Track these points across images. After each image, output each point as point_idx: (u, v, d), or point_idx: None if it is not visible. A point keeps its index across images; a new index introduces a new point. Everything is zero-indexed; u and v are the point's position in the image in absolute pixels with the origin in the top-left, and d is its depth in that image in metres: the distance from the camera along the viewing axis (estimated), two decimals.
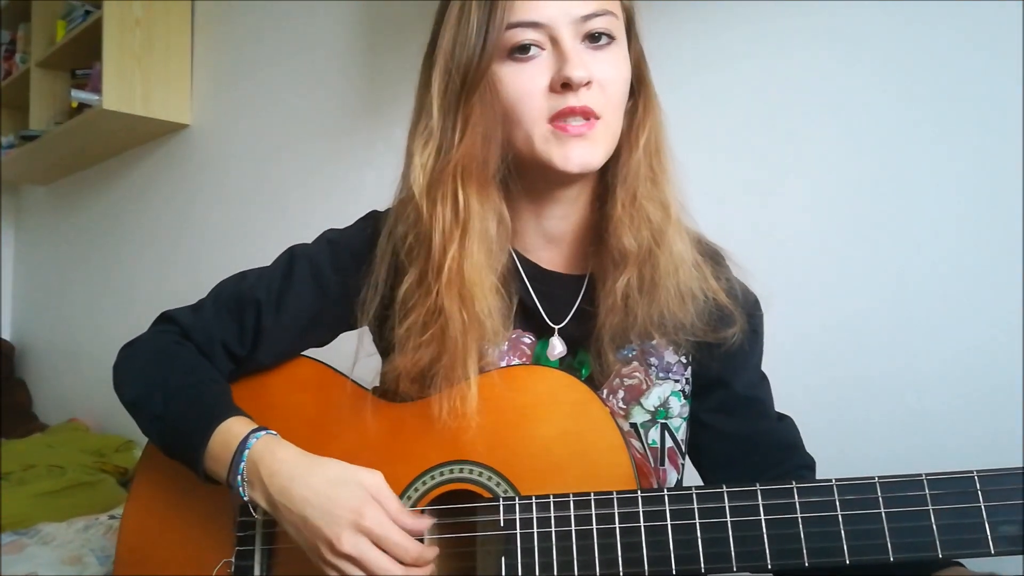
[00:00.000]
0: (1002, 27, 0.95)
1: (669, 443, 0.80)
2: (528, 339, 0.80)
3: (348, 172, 1.80)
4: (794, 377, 1.08)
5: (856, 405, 1.06)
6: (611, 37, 0.71)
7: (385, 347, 0.80)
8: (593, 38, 0.70)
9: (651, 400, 0.80)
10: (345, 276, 0.80)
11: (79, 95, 2.30)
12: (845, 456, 1.06)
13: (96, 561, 1.56)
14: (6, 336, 3.22)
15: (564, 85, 0.68)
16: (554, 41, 0.69)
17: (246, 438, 0.72)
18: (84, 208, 2.85)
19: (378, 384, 0.85)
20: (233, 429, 0.73)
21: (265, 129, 2.07)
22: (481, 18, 0.68)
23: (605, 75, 0.70)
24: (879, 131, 1.05)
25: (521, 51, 0.69)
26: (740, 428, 0.81)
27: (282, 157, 2.01)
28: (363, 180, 1.75)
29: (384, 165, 1.74)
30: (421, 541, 0.70)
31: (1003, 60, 0.95)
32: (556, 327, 0.80)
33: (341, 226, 0.86)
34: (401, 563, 0.67)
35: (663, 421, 0.80)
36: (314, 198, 1.90)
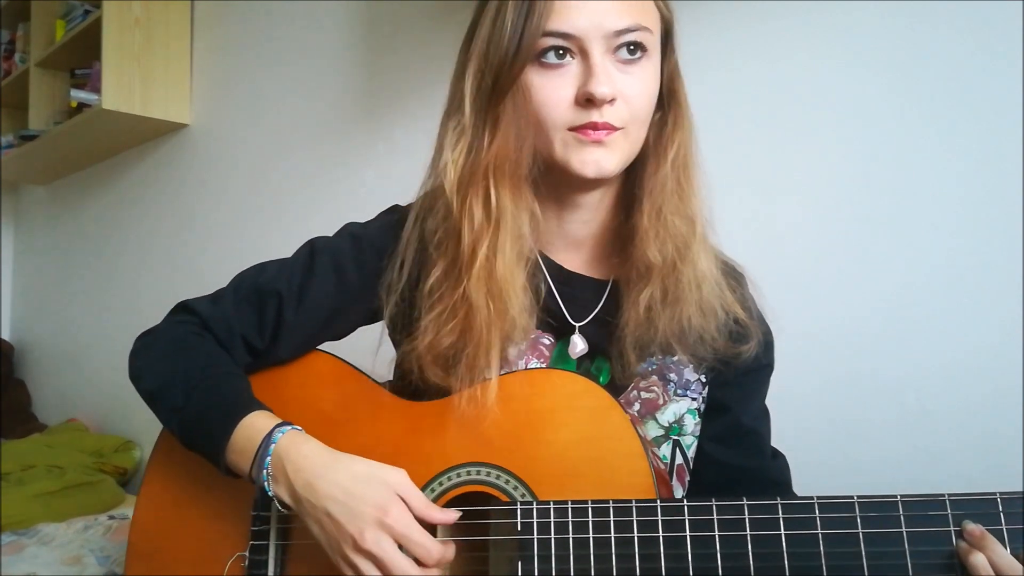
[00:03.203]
0: (1002, 27, 0.95)
1: (679, 460, 0.80)
2: (547, 340, 0.80)
3: (348, 172, 1.80)
4: (795, 378, 1.08)
5: (856, 406, 1.06)
6: (643, 51, 0.71)
7: (405, 336, 0.79)
8: (624, 51, 0.70)
9: (666, 416, 0.79)
10: (366, 270, 0.80)
11: (78, 95, 2.30)
12: (845, 457, 1.06)
13: (95, 561, 1.56)
14: (5, 336, 3.21)
15: (588, 100, 0.68)
16: (584, 53, 0.69)
17: (271, 433, 0.72)
18: (83, 208, 2.85)
19: (391, 378, 0.85)
20: (257, 424, 0.73)
21: (265, 129, 2.07)
22: (516, 22, 0.68)
23: (631, 90, 0.70)
24: (879, 132, 1.05)
25: (551, 57, 0.69)
26: (735, 459, 0.82)
27: (282, 157, 2.01)
28: (363, 180, 1.75)
29: (384, 165, 1.74)
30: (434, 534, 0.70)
31: (1003, 60, 0.95)
32: (577, 325, 0.80)
33: (342, 227, 0.86)
34: (422, 562, 0.67)
35: (676, 438, 0.80)
36: (314, 198, 1.90)
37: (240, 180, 2.14)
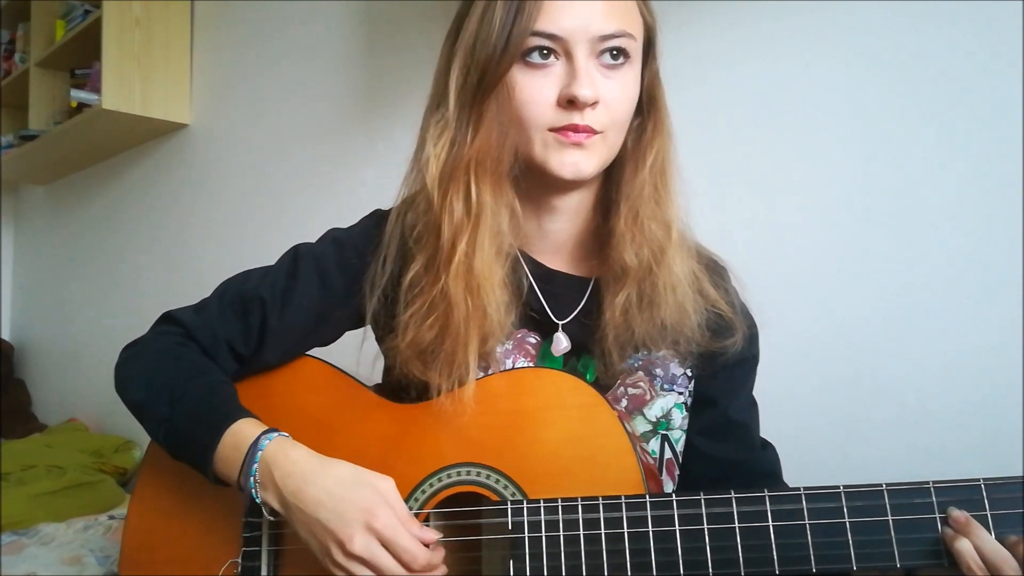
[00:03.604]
0: (1002, 27, 0.95)
1: (668, 454, 0.81)
2: (533, 339, 0.80)
3: (348, 172, 1.80)
4: (795, 377, 1.08)
5: (857, 406, 1.06)
6: (626, 57, 0.72)
7: (387, 332, 0.80)
8: (607, 56, 0.71)
9: (654, 411, 0.80)
10: (350, 275, 0.80)
11: (78, 95, 2.30)
12: (846, 457, 1.06)
13: (95, 561, 1.56)
14: (5, 336, 3.21)
15: (570, 102, 0.69)
16: (568, 55, 0.70)
17: (257, 440, 0.72)
18: (83, 208, 2.85)
19: (378, 379, 0.85)
20: (244, 431, 0.73)
21: (265, 129, 2.07)
22: (504, 20, 0.69)
23: (612, 95, 0.71)
24: (879, 132, 1.05)
25: (536, 57, 0.70)
26: (724, 452, 0.82)
27: (282, 157, 2.01)
28: (363, 180, 1.75)
29: (384, 165, 1.74)
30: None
31: (1003, 60, 0.95)
32: (560, 323, 0.80)
33: (342, 225, 0.86)
34: (408, 567, 0.67)
35: (664, 432, 0.80)
36: (314, 198, 1.90)
37: (240, 180, 2.14)
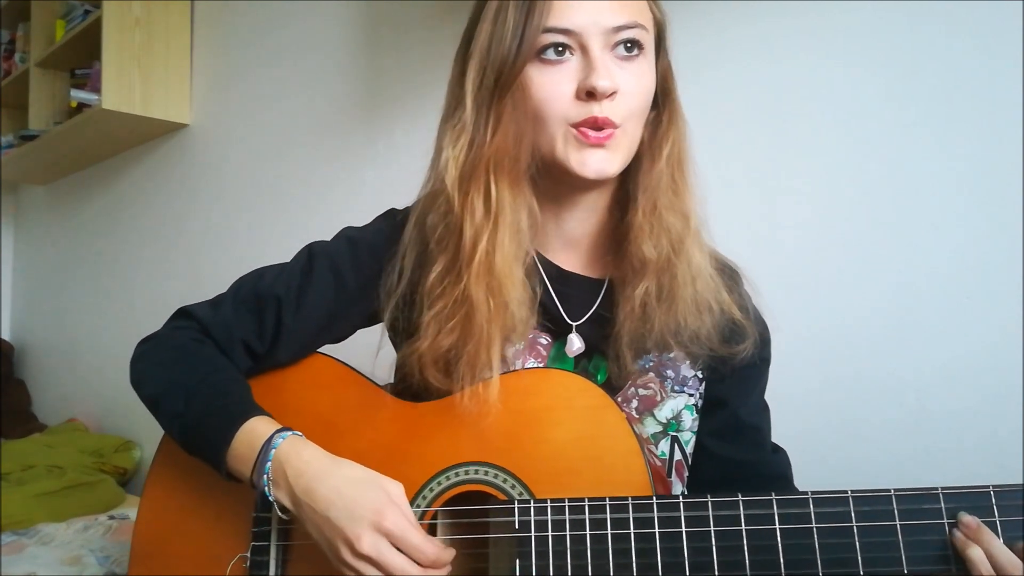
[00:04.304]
0: (1002, 27, 0.95)
1: (677, 456, 0.81)
2: (544, 340, 0.80)
3: (348, 171, 1.80)
4: (795, 378, 1.08)
5: (857, 406, 1.06)
6: (640, 48, 0.72)
7: (406, 337, 0.80)
8: (621, 48, 0.71)
9: (664, 412, 0.80)
10: (364, 273, 0.81)
11: (78, 95, 2.30)
12: (845, 457, 1.06)
13: (95, 561, 1.56)
14: (5, 336, 3.21)
15: (589, 94, 0.69)
16: (583, 49, 0.70)
17: (271, 438, 0.72)
18: (83, 208, 2.85)
19: (392, 380, 0.86)
20: (257, 429, 0.73)
21: (264, 129, 2.07)
22: (518, 19, 0.70)
23: (629, 86, 0.71)
24: (879, 132, 1.05)
25: (551, 54, 0.70)
26: (735, 454, 0.82)
27: (282, 157, 2.01)
28: (363, 179, 1.75)
29: (384, 164, 1.74)
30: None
31: (1002, 60, 0.95)
32: (574, 324, 0.80)
33: (342, 224, 0.87)
34: (419, 565, 0.68)
35: (674, 433, 0.80)
36: (314, 197, 1.90)
37: (239, 180, 2.14)
